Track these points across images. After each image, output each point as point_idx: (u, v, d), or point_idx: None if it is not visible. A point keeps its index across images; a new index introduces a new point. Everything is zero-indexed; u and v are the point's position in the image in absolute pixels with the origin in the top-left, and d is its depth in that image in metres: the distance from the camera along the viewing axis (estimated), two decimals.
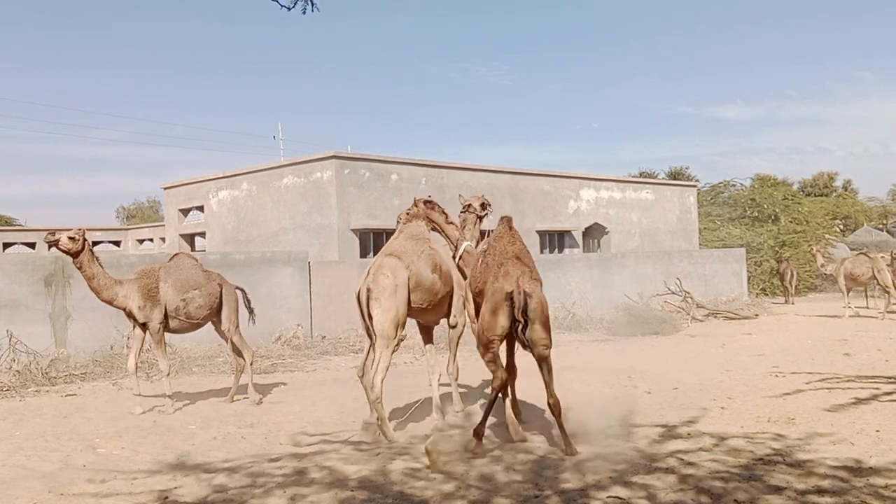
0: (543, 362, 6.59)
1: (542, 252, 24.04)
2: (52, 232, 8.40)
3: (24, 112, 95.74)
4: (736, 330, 17.07)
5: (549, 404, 6.50)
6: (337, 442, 6.93)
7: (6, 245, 31.59)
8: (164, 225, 28.59)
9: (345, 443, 6.88)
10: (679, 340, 15.39)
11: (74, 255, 8.42)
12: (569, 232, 25.21)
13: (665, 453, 6.16)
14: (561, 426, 6.40)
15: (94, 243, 37.03)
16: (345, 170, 19.63)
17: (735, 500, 4.88)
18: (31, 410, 9.04)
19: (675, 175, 52.04)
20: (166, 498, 5.27)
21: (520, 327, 6.41)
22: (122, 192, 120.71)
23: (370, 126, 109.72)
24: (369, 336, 7.11)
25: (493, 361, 6.74)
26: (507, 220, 7.21)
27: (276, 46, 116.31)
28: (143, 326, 8.86)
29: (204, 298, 9.18)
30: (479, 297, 6.98)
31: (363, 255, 19.75)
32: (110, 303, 8.78)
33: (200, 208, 23.96)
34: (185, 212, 24.94)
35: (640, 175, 49.53)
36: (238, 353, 9.60)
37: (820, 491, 5.05)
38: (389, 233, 21.15)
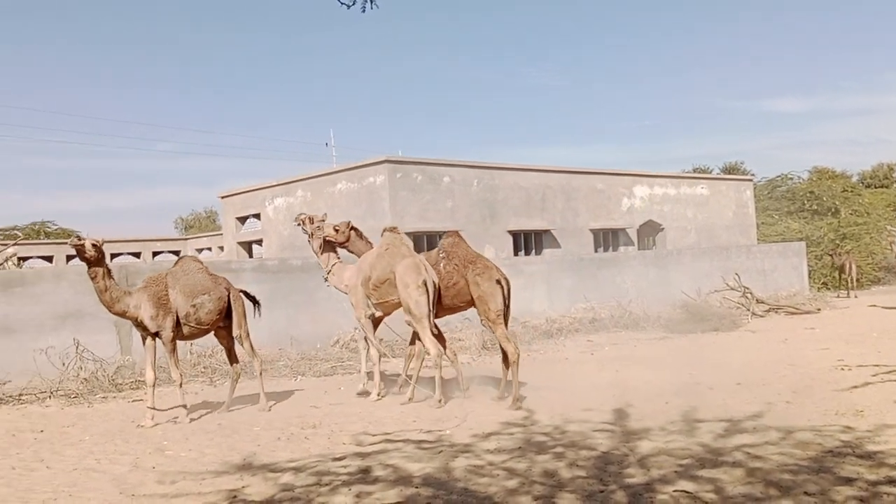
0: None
1: (596, 250, 23.86)
2: (79, 237, 8.40)
3: (89, 127, 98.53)
4: (798, 325, 16.70)
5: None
6: (399, 441, 6.98)
7: (70, 257, 32.56)
8: (221, 234, 29.17)
9: (407, 441, 6.93)
10: (739, 336, 15.12)
11: (94, 263, 8.20)
12: (623, 230, 24.97)
13: (731, 447, 6.07)
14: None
15: (155, 253, 38.13)
16: (397, 174, 19.77)
17: (805, 493, 4.78)
18: (100, 416, 9.29)
19: (730, 170, 51.16)
20: (235, 497, 5.38)
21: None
22: (181, 203, 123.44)
23: (421, 130, 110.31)
24: (428, 319, 8.99)
25: (506, 337, 9.06)
26: (455, 234, 9.87)
27: (326, 54, 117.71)
28: (154, 336, 8.56)
29: (213, 303, 8.91)
30: (447, 290, 9.34)
31: None
32: (123, 314, 8.52)
33: (257, 216, 24.37)
34: (242, 220, 25.39)
35: (694, 171, 48.81)
36: (235, 360, 9.48)
37: (891, 481, 4.94)
38: (442, 235, 21.22)
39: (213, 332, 9.32)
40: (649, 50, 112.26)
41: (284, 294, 14.66)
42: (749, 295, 19.45)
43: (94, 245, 8.14)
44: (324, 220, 10.25)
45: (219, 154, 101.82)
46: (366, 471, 5.91)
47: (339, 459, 6.36)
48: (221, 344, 9.69)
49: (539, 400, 8.81)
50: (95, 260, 8.19)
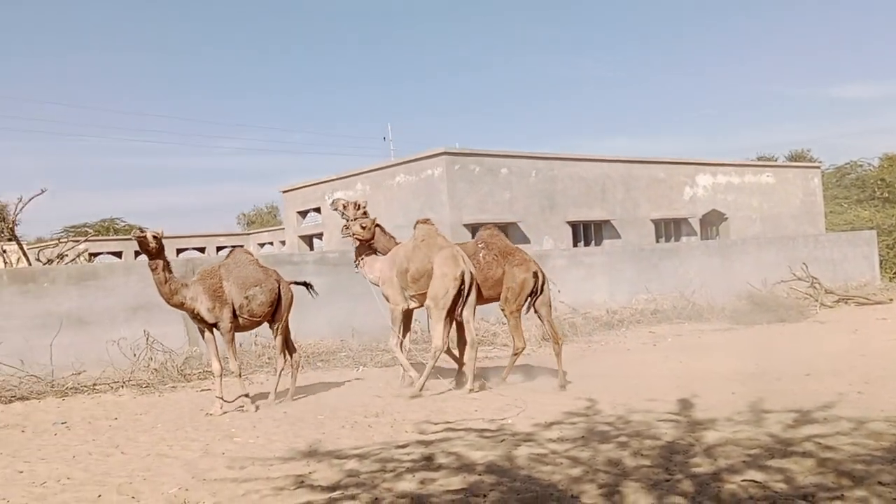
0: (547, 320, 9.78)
1: (657, 241, 23.53)
2: (142, 229, 8.54)
3: (155, 126, 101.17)
4: (869, 315, 16.21)
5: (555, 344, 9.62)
6: (461, 429, 7.01)
7: (137, 252, 33.50)
8: (283, 228, 29.65)
9: (468, 430, 6.95)
10: (808, 327, 14.75)
11: (155, 255, 8.32)
12: (685, 219, 24.57)
13: (801, 438, 5.93)
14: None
15: (219, 248, 38.92)
16: (455, 165, 19.81)
17: (879, 482, 4.65)
18: (170, 405, 9.55)
19: (796, 158, 49.80)
20: (302, 482, 5.48)
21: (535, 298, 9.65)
22: (243, 199, 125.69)
23: (478, 123, 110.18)
24: (451, 311, 9.13)
25: (518, 328, 9.69)
26: (492, 227, 10.28)
27: (383, 48, 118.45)
28: (212, 327, 8.72)
29: (265, 295, 9.03)
30: (485, 281, 9.53)
31: None
32: (180, 306, 8.63)
33: (317, 210, 24.71)
34: (303, 214, 25.78)
35: (759, 160, 47.67)
36: (291, 349, 9.63)
37: None
38: (501, 227, 21.21)
39: (266, 324, 9.42)
40: (709, 38, 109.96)
41: (345, 286, 14.81)
42: (817, 285, 18.95)
43: (154, 237, 8.26)
44: (365, 207, 10.28)
45: (279, 151, 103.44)
46: (429, 458, 5.96)
47: (403, 447, 6.43)
48: (275, 335, 9.70)
49: (601, 390, 8.75)
50: (156, 252, 8.31)
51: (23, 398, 10.26)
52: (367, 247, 10.01)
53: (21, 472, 6.32)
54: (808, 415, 6.79)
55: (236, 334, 9.03)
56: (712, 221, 25.74)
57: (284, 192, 26.56)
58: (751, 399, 7.66)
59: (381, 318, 15.06)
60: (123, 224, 45.32)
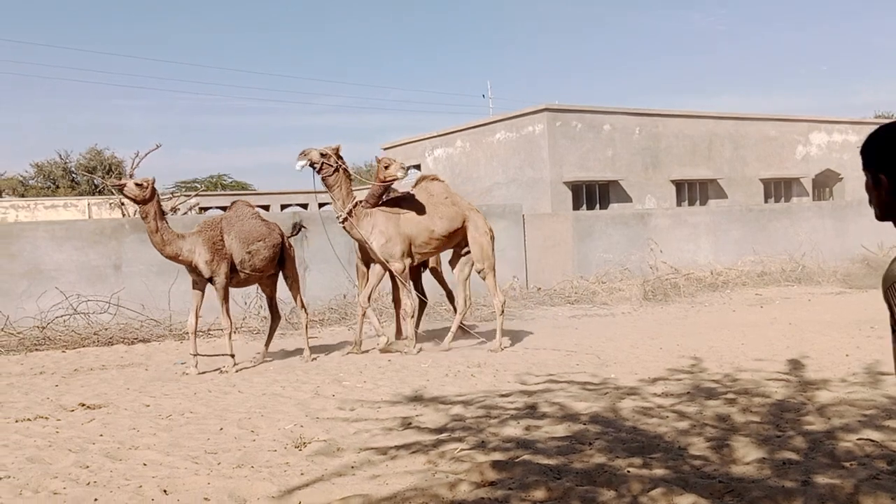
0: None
1: (765, 201, 22.71)
2: (120, 178, 8.48)
3: (259, 83, 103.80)
4: None
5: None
6: (563, 381, 7.05)
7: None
8: None
9: (570, 383, 6.98)
10: None
11: (142, 203, 8.08)
12: (797, 179, 23.59)
13: None
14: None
15: (321, 205, 39.73)
16: (556, 122, 19.57)
17: None
18: (279, 350, 9.93)
19: None
20: (409, 424, 5.65)
21: None
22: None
23: (579, 81, 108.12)
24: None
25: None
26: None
27: (484, 3, 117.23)
28: (208, 281, 8.49)
29: (269, 250, 8.78)
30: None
31: (576, 207, 19.67)
32: (175, 258, 8.37)
33: (417, 167, 24.91)
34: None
35: (877, 119, 45.04)
36: (277, 314, 9.48)
37: None
38: (602, 185, 20.92)
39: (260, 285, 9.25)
40: None
41: None
42: None
43: (137, 185, 8.06)
44: (338, 151, 9.00)
45: (378, 108, 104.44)
46: (532, 407, 6.02)
47: (506, 396, 6.52)
48: (264, 293, 9.68)
49: (706, 349, 8.61)
50: (143, 200, 8.06)
51: (145, 340, 10.89)
52: (348, 188, 8.90)
53: (147, 405, 6.75)
54: None
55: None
56: (826, 182, 24.61)
57: (385, 148, 26.89)
58: (867, 362, 7.38)
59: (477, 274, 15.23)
60: (230, 180, 46.99)
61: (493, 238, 9.59)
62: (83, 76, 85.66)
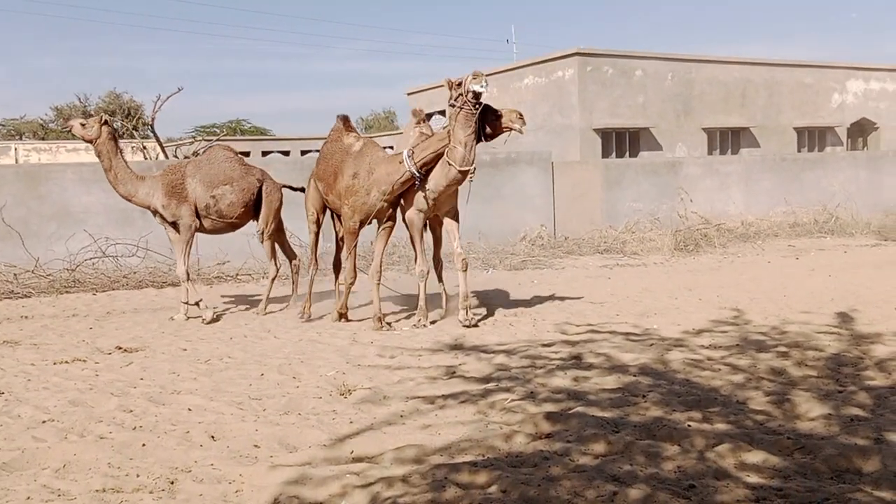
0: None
1: (799, 150, 22.22)
2: (66, 118, 8.23)
3: (279, 25, 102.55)
4: None
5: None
6: (605, 332, 6.89)
7: (265, 153, 34.41)
8: (401, 133, 29.67)
9: (613, 333, 6.82)
10: None
11: (90, 141, 7.95)
12: (831, 128, 23.04)
13: None
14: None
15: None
16: (587, 67, 19.11)
17: None
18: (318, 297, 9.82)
19: None
20: (454, 373, 5.53)
21: None
22: (360, 104, 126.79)
23: (607, 27, 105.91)
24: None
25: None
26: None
27: None
28: (175, 226, 8.19)
29: (236, 194, 8.25)
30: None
31: (605, 154, 19.32)
32: (129, 199, 8.16)
33: (442, 112, 24.52)
34: (429, 116, 25.67)
35: None
36: (290, 255, 9.09)
37: None
38: (633, 132, 20.50)
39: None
40: None
41: (473, 189, 14.70)
42: None
43: (82, 125, 7.93)
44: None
45: (399, 53, 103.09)
46: (577, 357, 5.88)
47: (548, 346, 6.37)
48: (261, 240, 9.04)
49: (747, 301, 8.41)
50: (91, 139, 7.93)
51: (174, 284, 10.82)
52: None
53: (184, 349, 6.67)
54: None
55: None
56: (861, 131, 24.02)
57: (409, 94, 26.48)
58: None
59: (508, 222, 15.03)
60: (249, 126, 46.67)
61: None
62: (104, 17, 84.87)
